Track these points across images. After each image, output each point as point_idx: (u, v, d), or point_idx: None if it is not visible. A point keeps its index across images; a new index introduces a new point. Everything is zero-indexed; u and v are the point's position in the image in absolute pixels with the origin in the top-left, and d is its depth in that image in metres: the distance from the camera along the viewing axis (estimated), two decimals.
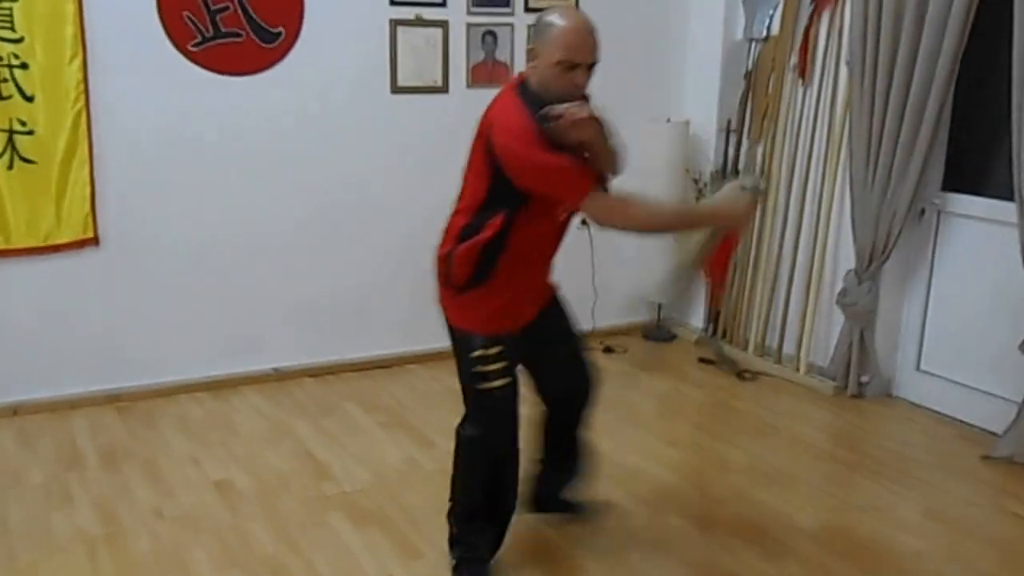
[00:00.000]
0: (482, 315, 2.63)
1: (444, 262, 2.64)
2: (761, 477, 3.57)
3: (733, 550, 3.02)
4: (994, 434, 3.84)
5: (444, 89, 4.61)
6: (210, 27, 4.06)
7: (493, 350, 2.61)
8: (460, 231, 2.59)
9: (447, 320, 2.73)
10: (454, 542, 2.85)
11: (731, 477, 3.58)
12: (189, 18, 4.01)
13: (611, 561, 2.97)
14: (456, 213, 2.64)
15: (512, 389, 2.69)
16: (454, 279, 2.62)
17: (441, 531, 2.99)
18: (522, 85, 2.52)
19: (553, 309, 2.86)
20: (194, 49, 4.06)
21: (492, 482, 2.78)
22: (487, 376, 2.63)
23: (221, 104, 4.17)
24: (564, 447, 3.06)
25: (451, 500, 2.88)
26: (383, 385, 4.47)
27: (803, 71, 4.58)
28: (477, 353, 2.62)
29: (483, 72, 4.68)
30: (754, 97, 4.87)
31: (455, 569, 2.82)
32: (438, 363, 4.68)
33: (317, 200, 4.44)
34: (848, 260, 4.36)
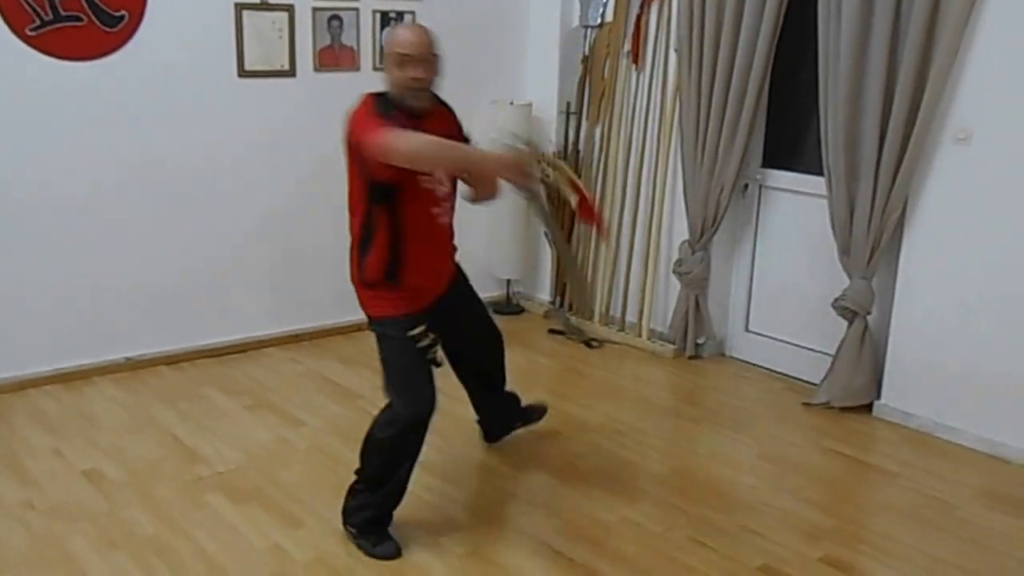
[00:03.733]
0: (401, 302, 2.98)
1: (356, 269, 3.00)
2: (614, 433, 4.00)
3: (594, 497, 3.41)
4: (813, 384, 4.43)
5: (291, 73, 4.77)
6: (49, 10, 4.06)
7: (419, 329, 2.96)
8: (359, 240, 2.96)
9: (370, 315, 3.07)
10: (357, 509, 3.09)
11: (587, 435, 3.98)
12: (26, 1, 4.00)
13: (485, 515, 3.30)
14: (351, 222, 2.99)
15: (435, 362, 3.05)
16: (368, 280, 2.98)
17: (319, 501, 3.24)
18: (380, 94, 2.92)
19: (458, 282, 3.29)
20: (32, 33, 4.05)
21: (410, 449, 3.04)
22: (426, 350, 2.98)
23: (62, 90, 4.18)
24: (496, 399, 3.68)
25: (362, 469, 3.10)
26: (242, 369, 4.61)
27: (636, 57, 5.04)
28: (413, 333, 2.95)
29: (330, 56, 4.87)
30: (591, 81, 5.31)
31: (360, 534, 3.06)
32: (296, 345, 4.88)
33: (164, 184, 4.52)
34: (682, 232, 4.87)
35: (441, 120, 3.02)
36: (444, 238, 3.13)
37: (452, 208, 3.08)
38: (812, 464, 3.82)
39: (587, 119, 5.34)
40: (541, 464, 3.70)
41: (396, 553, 2.99)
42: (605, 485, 3.53)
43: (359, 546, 3.03)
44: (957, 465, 3.74)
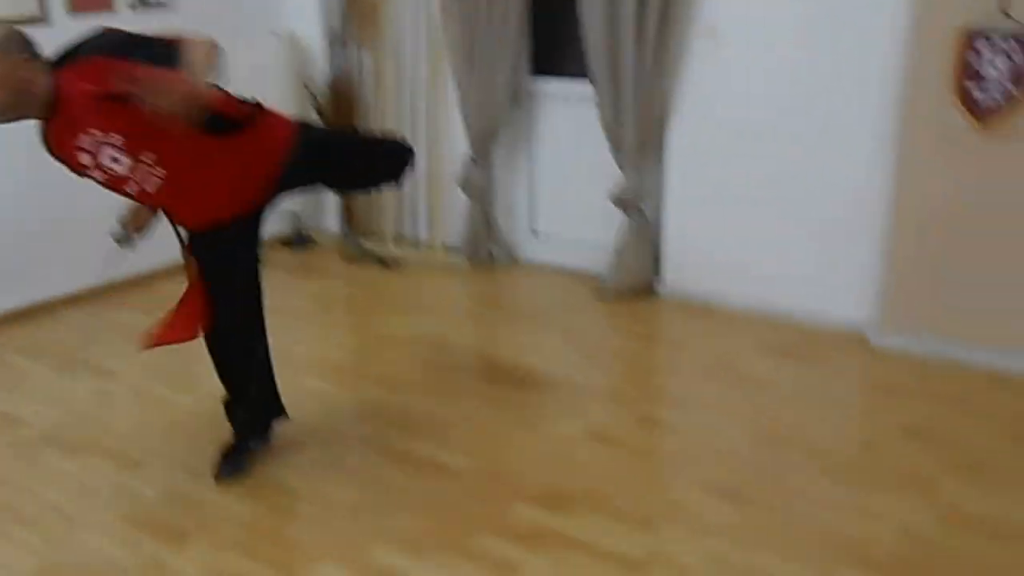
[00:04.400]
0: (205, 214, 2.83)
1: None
2: (425, 342, 4.16)
3: (422, 400, 3.58)
4: (601, 275, 4.78)
5: (44, 19, 4.45)
6: None
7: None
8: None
9: (190, 230, 2.89)
10: (246, 421, 3.14)
11: (399, 347, 4.12)
12: None
13: (329, 432, 3.38)
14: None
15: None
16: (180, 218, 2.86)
17: (154, 441, 3.21)
18: None
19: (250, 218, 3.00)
20: None
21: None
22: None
23: None
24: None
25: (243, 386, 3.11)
26: (43, 331, 4.37)
27: None
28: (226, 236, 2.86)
29: None
30: (354, 5, 5.30)
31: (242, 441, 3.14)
32: (90, 301, 4.66)
33: None
34: (463, 146, 5.03)
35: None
36: (211, 167, 2.74)
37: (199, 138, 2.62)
38: (610, 344, 4.17)
39: (355, 45, 5.35)
40: (358, 379, 3.82)
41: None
42: (423, 387, 3.70)
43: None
44: (734, 328, 4.21)
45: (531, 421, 3.39)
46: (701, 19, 4.17)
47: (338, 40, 5.36)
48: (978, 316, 3.72)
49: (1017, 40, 3.41)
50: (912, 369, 3.73)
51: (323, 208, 5.73)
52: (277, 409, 3.24)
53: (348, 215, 5.58)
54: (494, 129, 4.90)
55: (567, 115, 4.89)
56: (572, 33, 4.63)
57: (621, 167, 4.51)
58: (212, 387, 3.17)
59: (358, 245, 5.40)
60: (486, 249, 5.12)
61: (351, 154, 3.21)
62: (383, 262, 5.21)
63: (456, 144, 5.11)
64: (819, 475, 2.97)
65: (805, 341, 4.01)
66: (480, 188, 5.02)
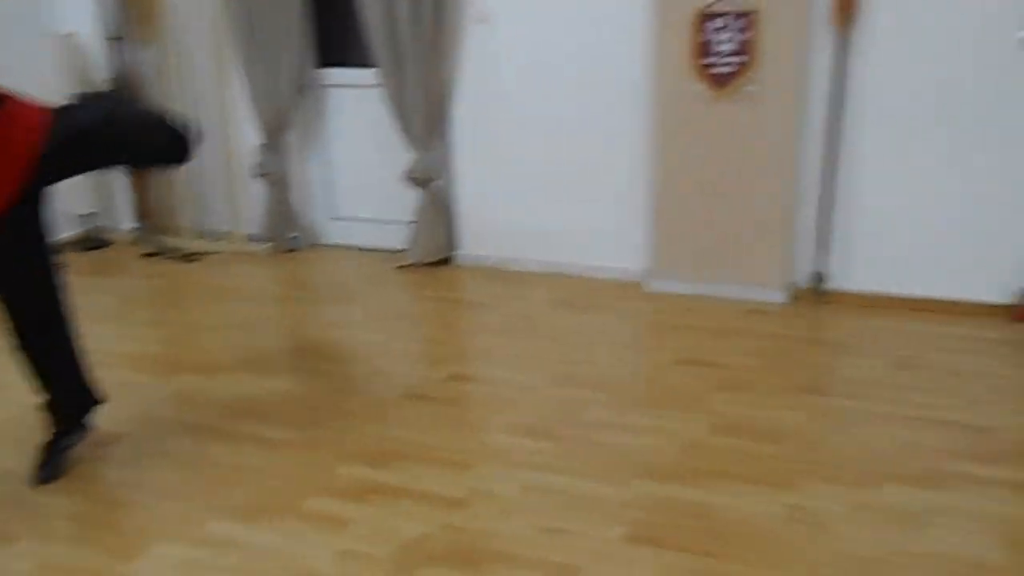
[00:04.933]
0: None
1: None
2: (235, 327, 4.20)
3: (231, 382, 3.62)
4: (401, 250, 4.98)
5: None
6: None
7: None
8: None
9: None
10: (62, 419, 3.09)
11: (210, 334, 4.15)
12: None
13: (149, 423, 3.41)
14: None
15: None
16: None
17: None
18: None
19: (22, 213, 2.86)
20: None
21: None
22: None
23: None
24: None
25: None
26: None
27: None
28: None
29: None
30: (132, 1, 5.20)
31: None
32: None
33: None
34: (256, 136, 5.07)
35: None
36: None
37: None
38: (416, 312, 4.38)
39: (136, 40, 5.25)
40: (181, 367, 3.84)
41: None
42: (245, 369, 3.76)
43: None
44: (528, 287, 4.51)
45: (347, 389, 3.54)
46: (473, 5, 4.43)
47: (118, 38, 5.24)
48: (727, 257, 4.21)
49: (739, 17, 3.88)
50: (680, 308, 4.17)
51: (117, 207, 5.59)
52: (92, 402, 3.21)
53: (144, 212, 5.49)
54: (285, 118, 4.98)
55: (356, 101, 5.03)
56: (356, 23, 4.78)
57: (411, 147, 4.72)
58: (25, 391, 3.13)
59: (157, 241, 5.33)
60: (287, 235, 5.20)
61: (122, 134, 3.02)
62: (184, 256, 5.18)
63: (248, 135, 5.14)
64: (609, 405, 3.30)
65: (590, 293, 4.38)
66: (276, 176, 5.08)
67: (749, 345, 3.78)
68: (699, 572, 2.39)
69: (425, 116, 4.61)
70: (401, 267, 4.84)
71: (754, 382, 3.45)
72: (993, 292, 3.98)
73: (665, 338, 3.91)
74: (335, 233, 5.30)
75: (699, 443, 3.03)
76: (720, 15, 3.88)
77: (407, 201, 4.83)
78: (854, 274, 4.13)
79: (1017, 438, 3.04)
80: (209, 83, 5.14)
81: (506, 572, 2.41)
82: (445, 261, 4.85)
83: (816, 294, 4.18)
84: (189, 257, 5.16)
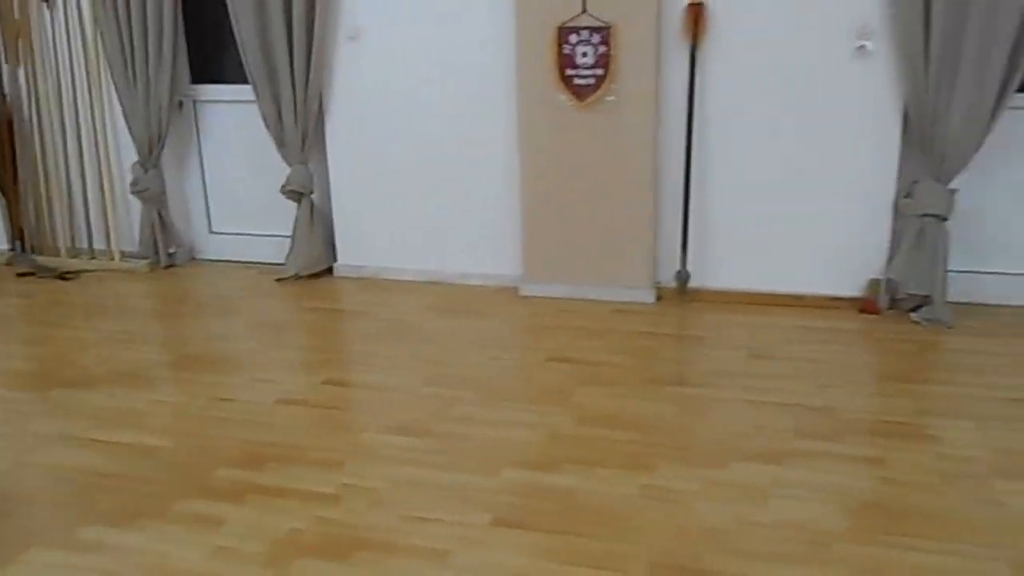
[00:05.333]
0: None
1: None
2: (112, 342, 4.14)
3: (106, 395, 3.58)
4: (281, 264, 4.98)
5: None
6: None
7: None
8: None
9: None
10: None
11: (85, 350, 4.07)
12: None
13: (19, 436, 3.34)
14: None
15: None
16: None
17: None
18: None
19: None
20: None
21: None
22: None
23: None
24: None
25: None
26: None
27: None
28: None
29: None
30: (2, 22, 5.08)
31: None
32: None
33: None
34: (131, 154, 5.02)
35: None
36: None
37: None
38: (294, 322, 4.40)
39: (6, 62, 5.13)
40: (55, 382, 3.76)
41: None
42: (122, 383, 3.72)
43: None
44: (406, 295, 4.58)
45: (223, 397, 3.53)
46: (344, 22, 4.50)
47: None
48: (597, 260, 4.37)
49: (597, 32, 4.06)
50: (553, 310, 4.30)
51: None
52: None
53: (16, 232, 5.34)
54: (160, 135, 4.94)
55: (232, 117, 5.03)
56: (228, 40, 4.79)
57: (287, 160, 4.75)
58: None
59: (31, 261, 5.20)
60: (165, 251, 5.14)
61: None
62: (60, 275, 5.07)
63: (124, 151, 5.08)
64: (480, 402, 3.39)
65: (466, 299, 4.48)
66: (152, 192, 5.03)
67: (617, 342, 3.94)
68: (558, 548, 2.50)
69: (300, 130, 4.65)
70: (280, 280, 4.85)
71: (619, 376, 3.60)
72: (841, 286, 4.24)
73: (537, 339, 4.04)
74: (214, 248, 5.27)
75: (565, 434, 3.15)
76: (578, 30, 4.05)
77: (285, 215, 4.84)
78: (715, 273, 4.35)
79: (857, 417, 3.26)
80: (83, 101, 5.06)
81: (377, 560, 2.47)
82: (324, 273, 4.88)
83: (680, 293, 4.37)
84: (65, 276, 5.05)
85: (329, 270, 4.90)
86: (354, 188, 4.73)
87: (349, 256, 4.86)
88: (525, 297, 4.45)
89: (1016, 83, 3.76)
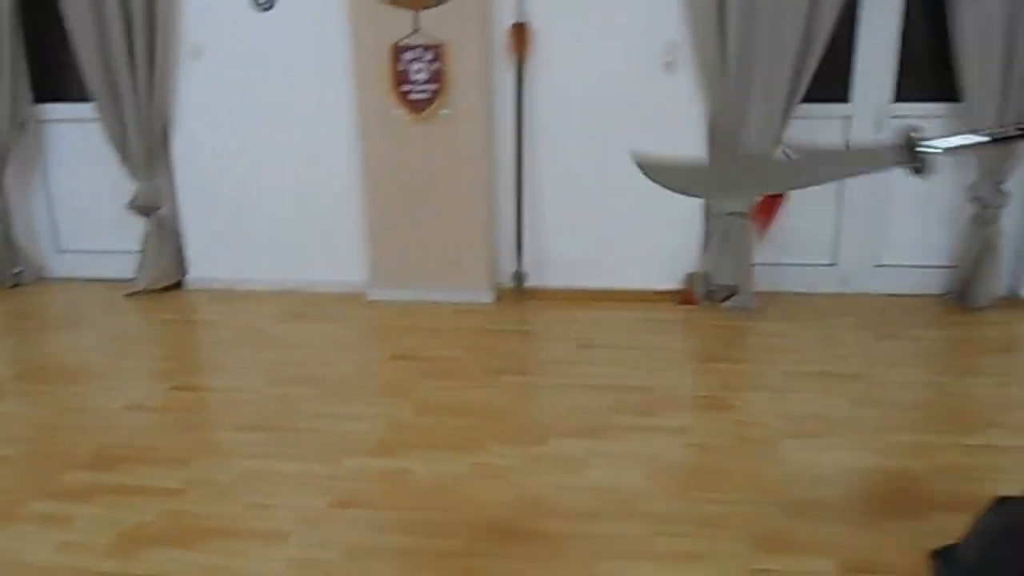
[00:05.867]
0: None
1: None
2: None
3: None
4: (130, 279, 5.00)
5: None
6: None
7: None
8: None
9: None
10: None
11: None
12: None
13: None
14: None
15: None
16: None
17: None
18: None
19: None
20: None
21: None
22: None
23: None
24: None
25: None
26: None
27: None
28: None
29: None
30: None
31: None
32: None
33: None
34: None
35: None
36: None
37: None
38: (143, 334, 4.46)
39: None
40: None
41: None
42: None
43: None
44: (256, 304, 4.69)
45: (71, 406, 3.58)
46: (185, 39, 4.59)
47: None
48: (439, 264, 4.60)
49: (429, 49, 4.30)
50: (398, 313, 4.51)
51: None
52: None
53: None
54: (2, 155, 4.90)
55: (77, 135, 5.02)
56: (68, 60, 4.80)
57: (134, 177, 4.79)
58: None
59: None
60: (11, 271, 5.08)
61: None
62: None
63: None
64: (324, 399, 3.55)
65: (316, 305, 4.63)
66: None
67: (457, 340, 4.18)
68: (391, 522, 2.72)
69: (145, 146, 4.71)
70: (130, 294, 4.88)
71: (457, 369, 3.84)
72: (663, 281, 4.61)
73: (382, 339, 4.25)
74: (62, 266, 5.24)
75: (403, 424, 3.37)
76: (412, 48, 4.29)
77: (133, 230, 4.88)
78: (549, 272, 4.65)
79: (670, 395, 3.60)
80: None
81: (220, 544, 2.62)
82: (175, 286, 4.94)
83: (518, 292, 4.66)
84: None
85: (179, 284, 4.96)
86: (202, 201, 4.82)
87: (199, 269, 4.94)
88: (372, 302, 4.64)
89: (800, 95, 4.21)
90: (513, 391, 3.66)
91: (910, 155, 1.88)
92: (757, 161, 2.53)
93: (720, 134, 4.32)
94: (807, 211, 4.58)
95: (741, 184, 2.31)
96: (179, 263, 4.95)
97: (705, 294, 4.60)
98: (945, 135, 1.89)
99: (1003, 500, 2.12)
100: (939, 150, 1.86)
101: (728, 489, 2.90)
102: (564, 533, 2.66)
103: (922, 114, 4.25)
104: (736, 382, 3.77)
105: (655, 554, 2.56)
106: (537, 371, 3.91)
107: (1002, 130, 2.02)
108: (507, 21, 4.34)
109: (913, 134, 1.89)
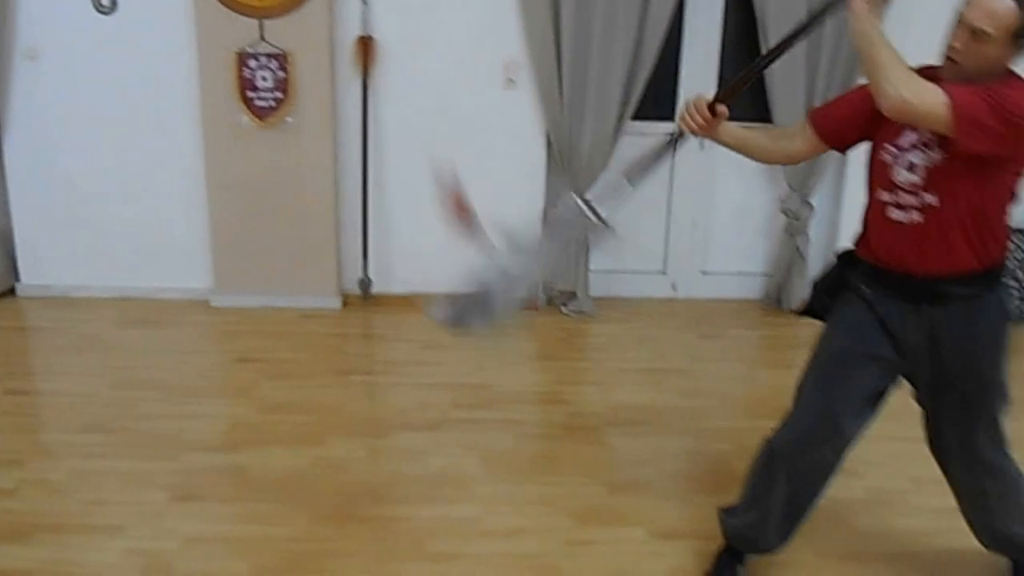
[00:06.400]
0: None
1: None
2: None
3: None
4: None
5: None
6: None
7: None
8: None
9: None
10: None
11: None
12: None
13: None
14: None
15: None
16: None
17: None
18: None
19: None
20: None
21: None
22: None
23: None
24: None
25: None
26: None
27: None
28: None
29: None
30: None
31: None
32: None
33: None
34: None
35: None
36: None
37: None
38: None
39: None
40: None
41: None
42: None
43: None
44: (97, 311, 4.57)
45: None
46: (20, 41, 4.47)
47: None
48: (287, 270, 4.63)
49: (273, 58, 4.37)
50: (244, 318, 4.50)
51: None
52: None
53: None
54: None
55: None
56: None
57: None
58: None
59: None
60: None
61: None
62: None
63: None
64: (167, 400, 3.53)
65: (159, 311, 4.56)
66: None
67: (303, 343, 4.23)
68: (231, 513, 2.78)
69: None
70: None
71: (300, 371, 3.90)
72: None
73: (226, 344, 4.25)
74: None
75: (245, 422, 3.41)
76: (257, 56, 4.34)
77: None
78: (395, 279, 4.77)
79: (507, 391, 3.78)
80: None
81: (55, 539, 2.62)
82: (7, 294, 4.78)
83: (365, 298, 4.75)
84: None
85: (12, 290, 4.80)
86: (37, 207, 4.68)
87: (33, 276, 4.78)
88: (217, 308, 4.63)
89: (630, 113, 4.51)
90: (356, 390, 3.75)
91: (598, 219, 2.26)
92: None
93: (556, 148, 4.56)
94: (639, 222, 4.89)
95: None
96: (11, 269, 4.78)
97: (547, 300, 4.82)
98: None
99: (767, 440, 2.40)
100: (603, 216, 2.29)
101: (556, 473, 3.09)
102: (399, 516, 2.79)
103: None
104: (569, 378, 3.99)
105: (483, 531, 2.73)
106: (381, 371, 4.02)
107: (641, 169, 2.33)
108: (353, 34, 4.46)
109: (585, 201, 2.30)
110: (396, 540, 2.66)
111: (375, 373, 4.00)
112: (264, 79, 4.36)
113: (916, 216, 2.09)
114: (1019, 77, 2.01)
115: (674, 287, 5.08)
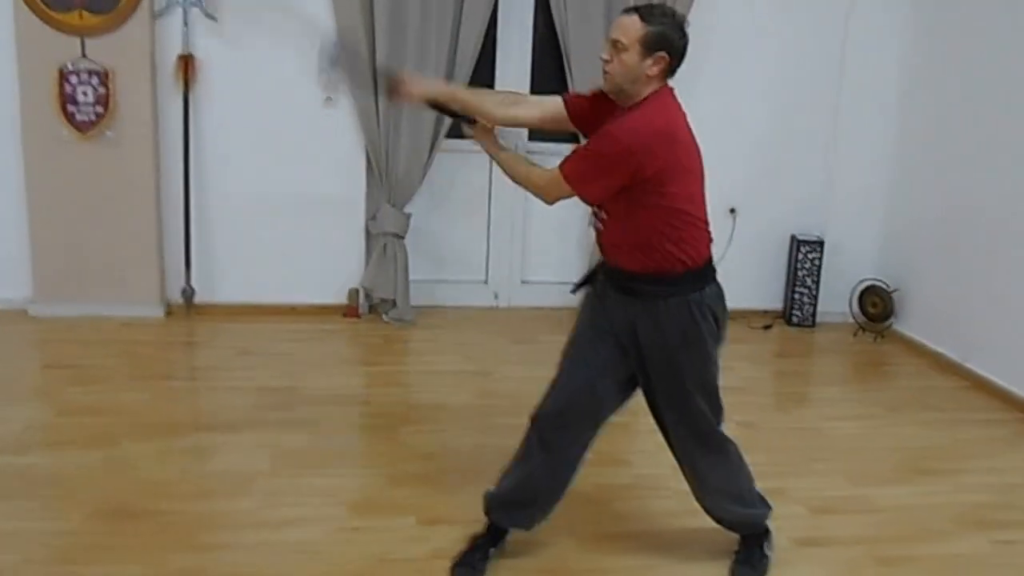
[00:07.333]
0: None
1: None
2: None
3: None
4: None
5: None
6: None
7: None
8: None
9: None
10: None
11: None
12: None
13: None
14: None
15: None
16: None
17: None
18: None
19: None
20: None
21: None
22: None
23: None
24: None
25: None
26: None
27: None
28: None
29: None
30: None
31: None
32: None
33: None
34: None
35: None
36: None
37: None
38: None
39: None
40: None
41: None
42: None
43: None
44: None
45: None
46: None
47: None
48: (108, 280, 4.60)
49: (94, 74, 4.40)
50: (61, 327, 4.47)
51: None
52: None
53: None
54: None
55: None
56: None
57: None
58: None
59: None
60: None
61: None
62: None
63: None
64: None
65: None
66: None
67: (117, 350, 4.25)
68: (16, 509, 2.80)
69: None
70: None
71: (110, 376, 3.93)
72: (328, 296, 4.93)
73: (37, 351, 4.24)
74: None
75: (42, 425, 3.43)
76: (78, 72, 4.36)
77: None
78: (219, 288, 4.82)
79: (311, 394, 3.88)
80: None
81: None
82: None
83: (188, 307, 4.79)
84: None
85: None
86: None
87: None
88: (34, 318, 4.59)
89: (444, 132, 4.70)
90: (161, 394, 3.80)
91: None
92: None
93: (375, 163, 4.72)
94: (460, 233, 5.09)
95: None
96: None
97: (369, 308, 4.96)
98: None
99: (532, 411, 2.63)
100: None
101: (341, 466, 3.23)
102: (176, 511, 2.87)
103: (555, 154, 4.86)
104: (376, 381, 4.14)
105: (257, 522, 2.84)
106: (190, 376, 4.08)
107: None
108: (174, 52, 4.52)
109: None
110: (167, 533, 2.74)
111: (183, 378, 4.06)
112: (85, 94, 4.38)
113: (600, 225, 2.49)
114: (659, 94, 2.35)
115: (496, 296, 5.29)
